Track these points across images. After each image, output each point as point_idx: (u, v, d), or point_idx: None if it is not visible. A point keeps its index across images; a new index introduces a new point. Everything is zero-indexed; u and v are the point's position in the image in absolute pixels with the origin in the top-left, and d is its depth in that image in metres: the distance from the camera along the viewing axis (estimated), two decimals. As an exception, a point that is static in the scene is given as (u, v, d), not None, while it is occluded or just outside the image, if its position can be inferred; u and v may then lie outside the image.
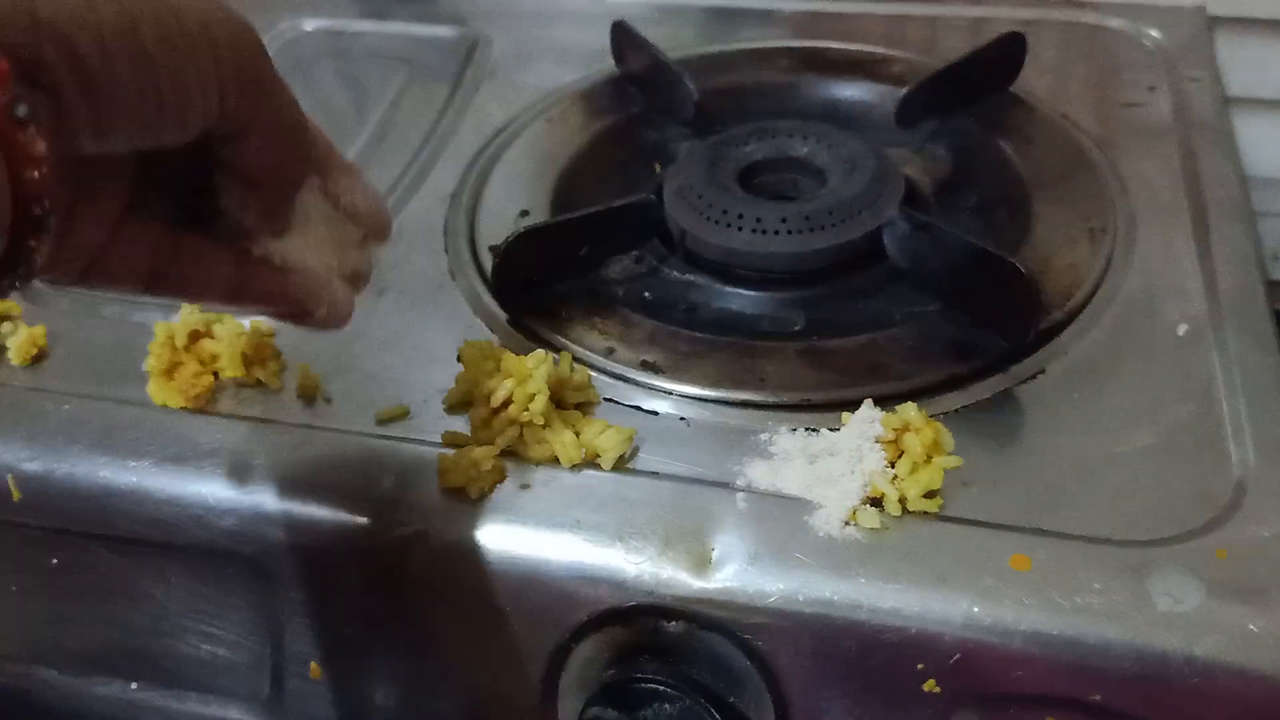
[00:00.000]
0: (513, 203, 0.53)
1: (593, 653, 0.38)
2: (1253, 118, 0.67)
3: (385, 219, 0.37)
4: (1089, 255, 0.47)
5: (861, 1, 0.68)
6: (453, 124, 0.60)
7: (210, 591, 0.41)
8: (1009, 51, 0.56)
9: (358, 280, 0.37)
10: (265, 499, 0.40)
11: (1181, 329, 0.43)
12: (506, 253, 0.45)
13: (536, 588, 0.38)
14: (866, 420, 0.38)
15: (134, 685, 0.44)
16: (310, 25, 0.69)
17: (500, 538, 0.38)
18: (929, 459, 0.37)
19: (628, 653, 0.37)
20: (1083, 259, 0.46)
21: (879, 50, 0.62)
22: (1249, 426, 0.39)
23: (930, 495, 0.37)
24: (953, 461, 0.38)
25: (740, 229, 0.48)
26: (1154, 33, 0.61)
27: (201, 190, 0.32)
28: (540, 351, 0.41)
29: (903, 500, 0.37)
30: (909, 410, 0.38)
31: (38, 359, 0.46)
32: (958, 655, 0.34)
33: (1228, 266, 0.46)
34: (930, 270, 0.45)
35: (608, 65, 0.62)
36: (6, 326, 0.47)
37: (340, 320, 0.36)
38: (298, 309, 0.34)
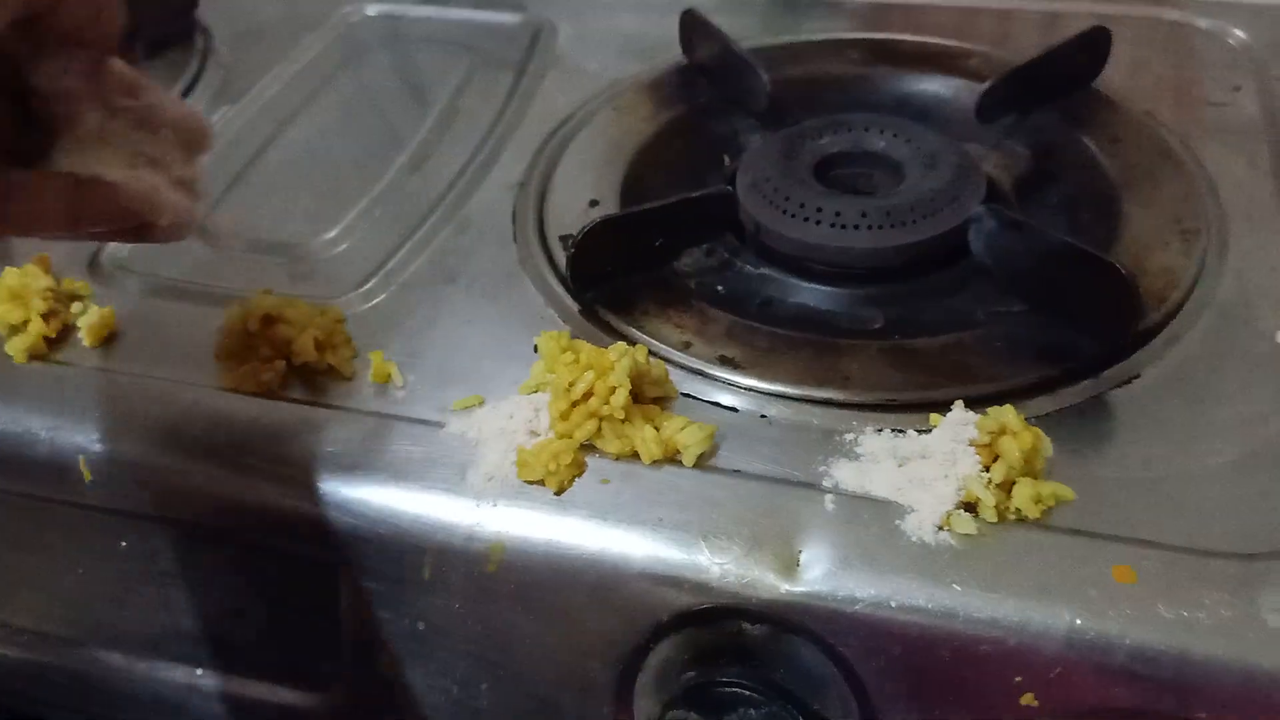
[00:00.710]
0: (582, 192, 0.52)
1: (672, 654, 0.37)
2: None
3: (197, 123, 0.37)
4: (1182, 257, 0.45)
5: (934, -6, 0.66)
6: (518, 112, 0.59)
7: (281, 579, 0.41)
8: (1094, 46, 0.54)
9: (189, 189, 0.36)
10: (339, 488, 0.39)
11: (1279, 336, 0.42)
12: (582, 243, 0.44)
13: (616, 585, 0.37)
14: (960, 423, 0.37)
15: (198, 671, 0.43)
16: (372, 10, 0.68)
17: (580, 533, 0.37)
18: (1031, 469, 0.36)
19: (708, 655, 0.36)
20: (1176, 261, 0.45)
21: (953, 43, 0.60)
22: (1356, 437, 0.38)
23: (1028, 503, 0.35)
24: (1065, 493, 0.36)
25: (819, 223, 0.47)
26: (1238, 31, 0.60)
27: (21, 126, 0.33)
28: (622, 344, 0.40)
29: (999, 506, 0.35)
30: (1006, 414, 0.37)
31: (109, 340, 0.45)
32: (1058, 669, 0.33)
33: (1327, 272, 0.44)
34: (1019, 269, 0.44)
35: (674, 55, 0.61)
36: (77, 307, 0.46)
37: (184, 228, 0.36)
38: (139, 221, 0.34)
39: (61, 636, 0.45)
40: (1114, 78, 0.57)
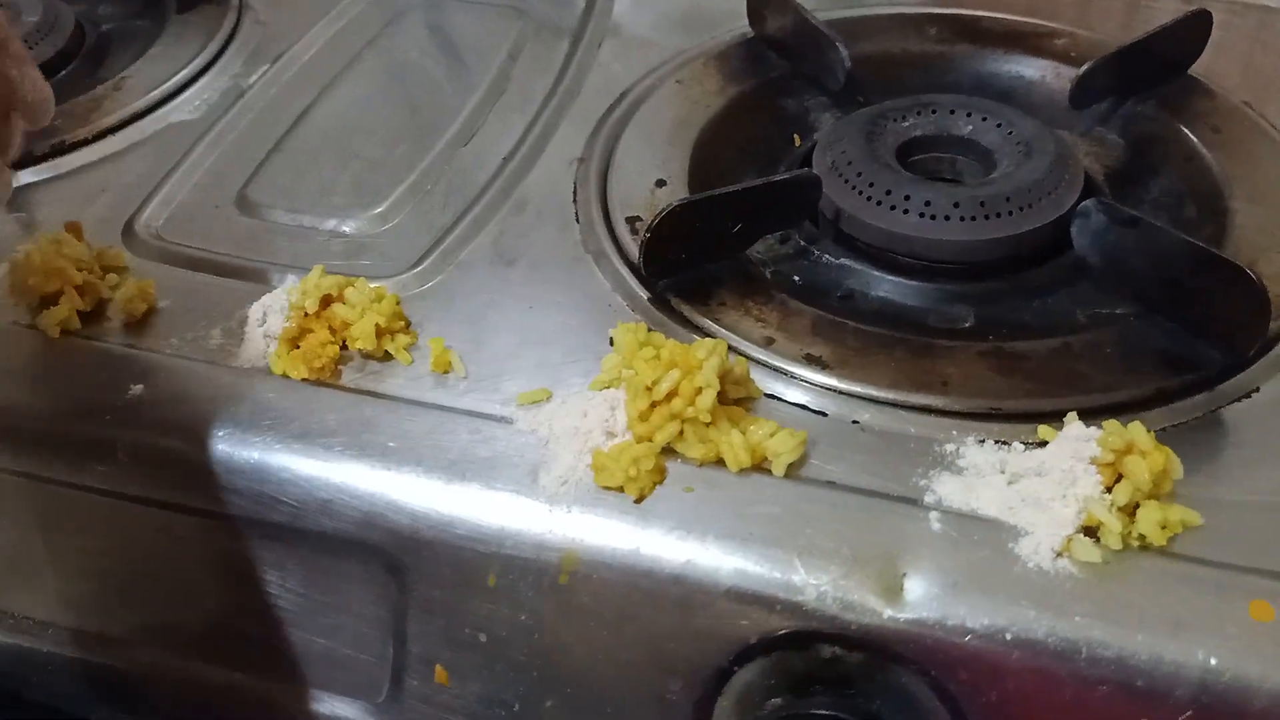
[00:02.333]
0: (648, 171, 0.49)
1: (756, 678, 0.34)
2: None
3: (40, 94, 0.35)
4: (1298, 260, 0.42)
5: (1011, -32, 0.63)
6: (575, 83, 0.55)
7: (332, 582, 0.38)
8: (1195, 30, 0.51)
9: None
10: (397, 485, 0.36)
11: None
12: (658, 228, 0.41)
13: (700, 603, 0.34)
14: (1078, 438, 0.34)
15: (239, 675, 0.41)
16: (417, -32, 0.65)
17: (662, 545, 0.34)
18: (1158, 491, 0.33)
19: (799, 682, 0.34)
20: (1292, 265, 0.42)
21: (1038, 22, 0.57)
22: None
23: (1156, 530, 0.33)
24: (1194, 518, 0.33)
25: (906, 212, 0.44)
26: (1346, 17, 0.56)
27: None
28: (710, 341, 0.37)
29: (1123, 534, 0.33)
30: (1135, 431, 0.34)
31: (146, 315, 0.42)
32: (1189, 713, 0.31)
33: None
34: (1130, 269, 0.41)
35: (740, 26, 0.57)
36: (112, 279, 0.43)
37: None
38: None
39: (94, 634, 0.43)
40: (1210, 64, 0.53)
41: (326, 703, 0.40)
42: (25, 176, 0.50)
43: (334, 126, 0.53)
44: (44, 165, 0.51)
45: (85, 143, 0.52)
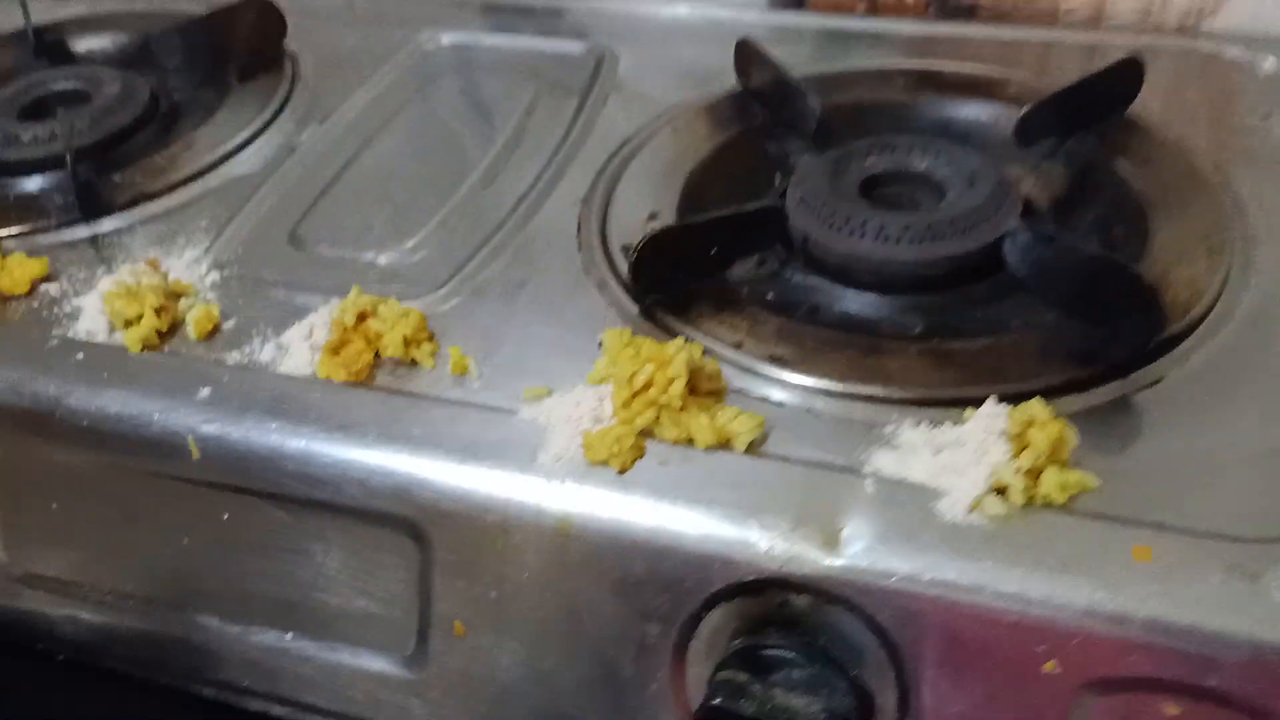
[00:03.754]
0: (641, 207, 0.56)
1: (722, 622, 0.40)
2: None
3: None
4: (1206, 271, 0.48)
5: (977, 25, 0.70)
6: (582, 134, 0.63)
7: (366, 550, 0.45)
8: (1127, 75, 0.57)
9: None
10: (422, 466, 0.43)
11: (1299, 344, 0.45)
12: (643, 250, 0.48)
13: (672, 558, 0.40)
14: (992, 415, 0.40)
15: (289, 635, 0.48)
16: (446, 39, 0.73)
17: (640, 510, 0.41)
18: (1057, 457, 0.39)
19: (756, 624, 0.40)
20: (1200, 274, 0.48)
21: (994, 72, 0.64)
22: (1368, 436, 0.40)
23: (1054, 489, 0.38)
24: (1088, 483, 0.39)
25: (863, 236, 0.50)
26: (1268, 61, 0.62)
27: None
28: (680, 339, 0.44)
29: (1027, 491, 0.39)
30: (1035, 406, 0.40)
31: (213, 333, 0.50)
32: (1078, 639, 0.36)
33: (1347, 287, 0.47)
34: (1051, 280, 0.47)
35: (729, 81, 0.65)
36: (185, 303, 0.51)
37: None
38: None
39: (166, 601, 0.50)
40: (1150, 105, 0.60)
41: (364, 657, 0.47)
42: (113, 223, 0.58)
43: (373, 174, 0.61)
44: (127, 213, 0.59)
45: (161, 194, 0.60)
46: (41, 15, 0.77)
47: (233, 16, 0.71)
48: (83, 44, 0.76)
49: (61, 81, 0.70)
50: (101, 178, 0.61)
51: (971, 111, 0.61)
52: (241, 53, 0.71)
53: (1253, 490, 0.39)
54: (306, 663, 0.48)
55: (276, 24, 0.72)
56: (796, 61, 0.66)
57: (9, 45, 0.75)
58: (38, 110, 0.68)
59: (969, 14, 0.71)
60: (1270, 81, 0.61)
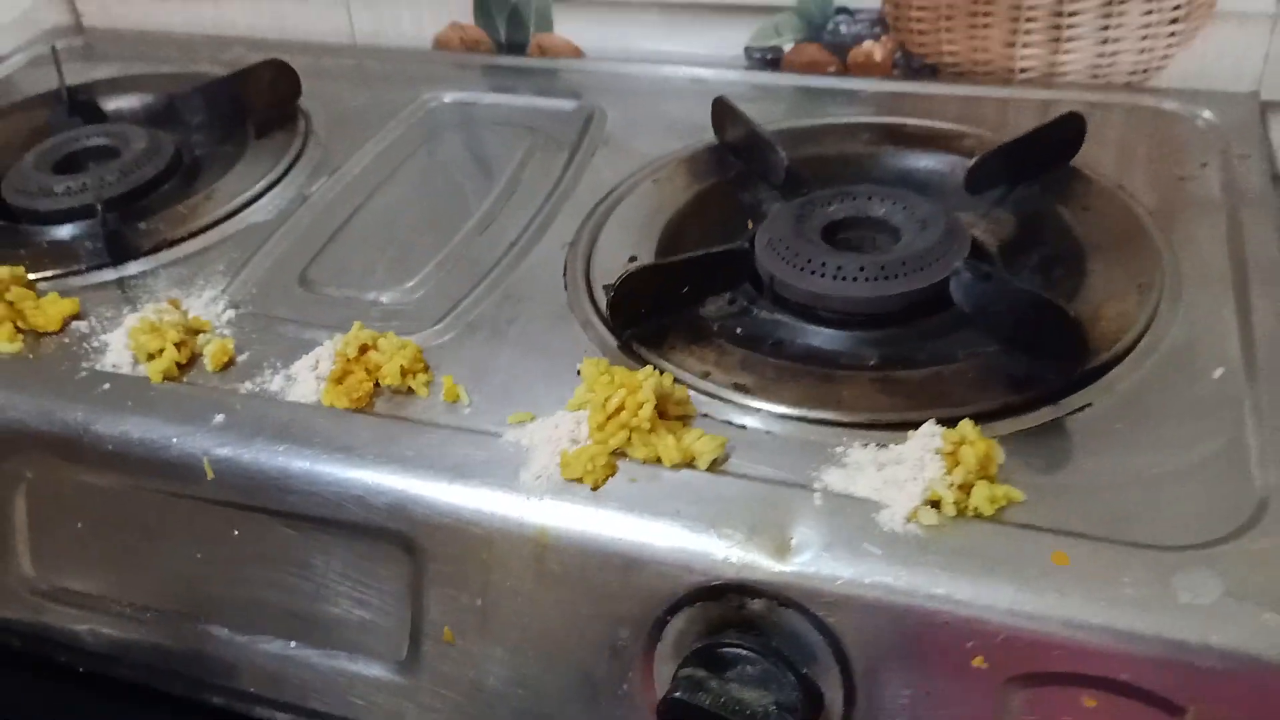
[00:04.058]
0: (623, 250, 0.61)
1: (685, 625, 0.44)
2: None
3: None
4: (1136, 307, 0.52)
5: (939, 84, 0.75)
6: (571, 184, 0.68)
7: (364, 563, 0.49)
8: (1070, 129, 0.62)
9: None
10: (414, 485, 0.47)
11: (1218, 373, 0.49)
12: (620, 288, 0.53)
13: (640, 566, 0.44)
14: (929, 435, 0.45)
15: (292, 644, 0.51)
16: (449, 97, 0.79)
17: (611, 522, 0.45)
18: (985, 473, 0.43)
19: (716, 626, 0.44)
20: (1130, 310, 0.52)
21: (953, 126, 0.69)
22: (1273, 454, 0.44)
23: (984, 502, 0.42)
24: (1016, 496, 0.43)
25: (823, 275, 0.55)
26: (1208, 114, 0.67)
27: None
28: (649, 368, 0.48)
29: (958, 504, 0.43)
30: (966, 427, 0.44)
31: (227, 365, 0.55)
32: (1002, 636, 0.40)
33: (1264, 321, 0.51)
34: (991, 314, 0.51)
35: (708, 136, 0.70)
36: (202, 338, 0.56)
37: None
38: None
39: (179, 613, 0.54)
40: (1096, 155, 0.65)
41: (361, 663, 0.50)
42: (138, 266, 0.63)
43: (378, 221, 0.66)
44: (151, 258, 0.64)
45: (183, 240, 0.65)
46: (75, 76, 0.83)
47: (251, 77, 0.77)
48: (113, 103, 0.82)
49: (93, 138, 0.75)
50: (128, 226, 0.66)
51: (928, 162, 0.66)
52: (259, 110, 0.76)
53: (1165, 505, 0.43)
54: (309, 669, 0.51)
55: (292, 84, 0.78)
56: (773, 116, 0.72)
57: (45, 104, 0.81)
58: (71, 164, 0.73)
59: (931, 73, 0.77)
60: (1207, 133, 0.66)
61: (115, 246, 0.64)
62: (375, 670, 0.50)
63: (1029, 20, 0.72)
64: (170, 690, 0.57)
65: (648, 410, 0.46)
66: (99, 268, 0.63)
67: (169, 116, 0.78)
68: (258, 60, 0.79)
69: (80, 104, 0.81)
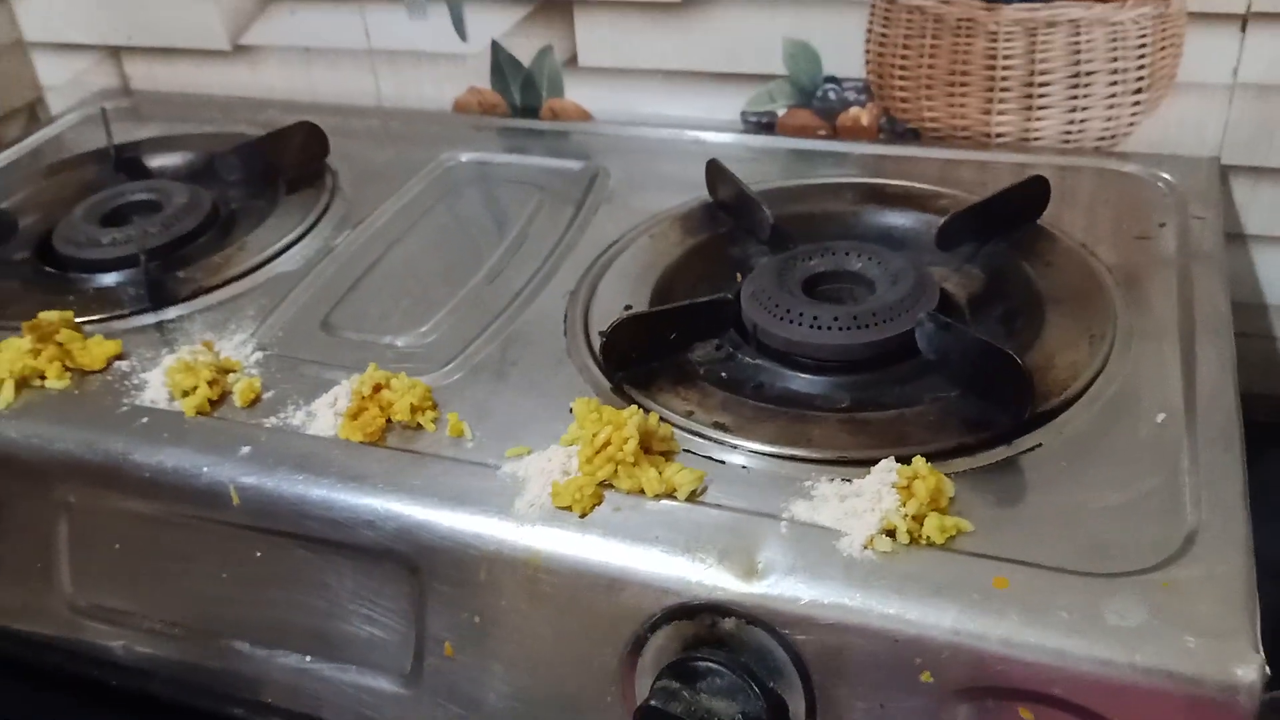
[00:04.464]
0: (620, 299, 0.66)
1: (663, 641, 0.48)
2: (1269, 252, 0.77)
3: None
4: (1088, 356, 0.57)
5: (920, 147, 0.81)
6: (575, 238, 0.73)
7: (373, 583, 0.54)
8: (1035, 191, 0.67)
9: None
10: (419, 511, 0.52)
11: (1160, 418, 0.53)
12: (612, 335, 0.58)
13: (623, 587, 0.48)
14: (886, 470, 0.49)
15: (308, 658, 0.56)
16: (465, 157, 0.85)
17: (596, 547, 0.49)
18: (937, 505, 0.48)
19: (690, 642, 0.48)
20: (1082, 359, 0.56)
21: (931, 187, 0.74)
22: (1205, 493, 0.48)
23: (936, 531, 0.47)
24: (964, 526, 0.47)
25: (801, 324, 0.60)
26: (1168, 177, 0.72)
27: None
28: (633, 407, 0.53)
29: (911, 532, 0.47)
30: (919, 463, 0.48)
31: (254, 401, 0.60)
32: (946, 653, 0.44)
33: (1206, 371, 0.55)
34: (951, 361, 0.56)
35: (703, 194, 0.75)
36: (232, 377, 0.61)
37: None
38: None
39: (206, 629, 0.58)
40: (1063, 215, 0.69)
41: (369, 676, 0.55)
42: (176, 311, 0.69)
43: (396, 271, 0.72)
44: (188, 304, 0.70)
45: (216, 288, 0.71)
46: (123, 135, 0.90)
47: (283, 138, 0.84)
48: (156, 160, 0.89)
49: (137, 193, 0.82)
50: (168, 274, 0.72)
51: (906, 220, 0.71)
52: (290, 168, 0.83)
53: (1102, 537, 0.47)
54: (323, 682, 0.56)
55: (320, 145, 0.84)
56: (767, 176, 0.77)
57: (94, 161, 0.88)
58: (116, 218, 0.79)
59: (914, 137, 0.82)
60: (1167, 195, 0.71)
61: (156, 293, 0.70)
62: (382, 683, 0.55)
63: (1003, 89, 0.77)
64: (196, 704, 0.61)
65: (632, 445, 0.51)
66: (140, 312, 0.69)
67: (208, 173, 0.85)
68: (291, 122, 0.85)
69: (126, 161, 0.87)
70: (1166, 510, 0.48)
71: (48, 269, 0.76)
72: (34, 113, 1.08)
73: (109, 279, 0.74)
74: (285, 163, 0.83)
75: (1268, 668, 0.41)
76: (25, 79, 1.06)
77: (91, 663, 0.62)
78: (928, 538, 0.47)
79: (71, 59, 1.05)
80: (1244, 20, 0.71)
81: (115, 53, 1.04)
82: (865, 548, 0.47)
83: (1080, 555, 0.46)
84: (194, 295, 0.70)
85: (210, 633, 0.58)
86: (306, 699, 0.56)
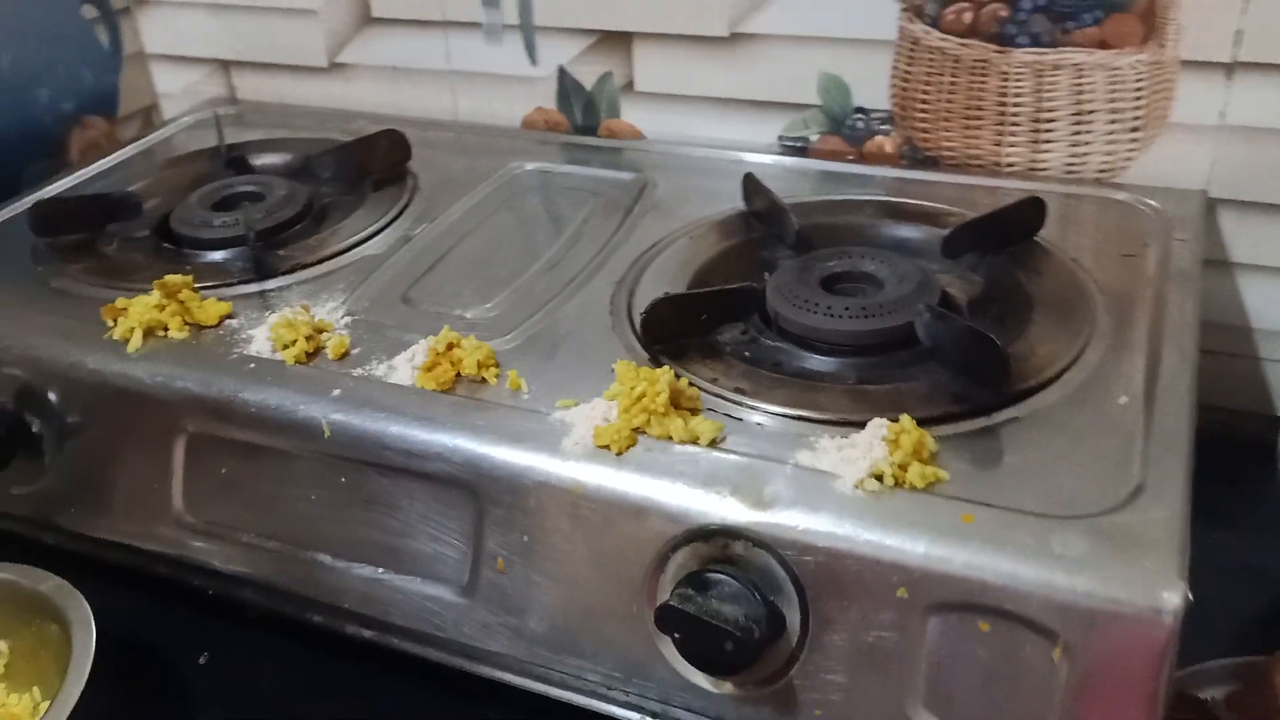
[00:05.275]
0: (660, 289, 0.75)
1: (682, 560, 0.57)
2: (1254, 279, 0.85)
3: None
4: (1066, 348, 0.65)
5: (938, 173, 0.90)
6: (624, 237, 0.83)
7: (440, 506, 0.63)
8: (1031, 210, 0.76)
9: None
10: (482, 447, 0.62)
11: (1122, 400, 0.61)
12: (651, 311, 0.67)
13: (649, 513, 0.57)
14: (878, 427, 0.58)
15: (380, 570, 0.65)
16: (530, 166, 0.96)
17: (629, 480, 0.58)
18: (919, 456, 0.56)
19: (705, 561, 0.56)
20: (1060, 350, 0.65)
21: (944, 206, 0.83)
22: (1153, 458, 0.56)
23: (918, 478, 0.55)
24: (941, 475, 0.56)
25: (816, 313, 0.69)
26: (1156, 205, 0.80)
27: None
28: (665, 367, 0.62)
29: (895, 478, 0.55)
30: (905, 421, 0.57)
31: (344, 355, 0.70)
32: (919, 574, 0.52)
33: (1168, 368, 0.63)
34: (943, 346, 0.64)
35: (737, 204, 0.85)
36: (325, 335, 0.72)
37: None
38: None
39: (294, 544, 0.68)
40: (1060, 234, 0.78)
41: (432, 586, 0.64)
42: (277, 283, 0.80)
43: (465, 258, 0.82)
44: (286, 277, 0.80)
45: (312, 265, 0.81)
46: (230, 138, 1.02)
47: (371, 143, 0.95)
48: (260, 159, 1.00)
49: (243, 185, 0.93)
50: (270, 253, 0.83)
51: (919, 233, 0.80)
52: (376, 170, 0.94)
53: (1059, 488, 0.55)
54: (393, 590, 0.65)
55: (403, 150, 0.96)
56: (797, 192, 0.87)
57: (206, 158, 1.00)
58: (225, 205, 0.91)
59: (933, 164, 0.91)
60: (1154, 220, 0.79)
61: (260, 266, 0.81)
62: (443, 592, 0.64)
63: (1013, 123, 0.87)
64: (281, 610, 0.71)
65: (663, 398, 0.60)
66: (246, 282, 0.80)
67: (304, 171, 0.96)
68: (377, 130, 0.96)
69: (234, 159, 0.99)
70: (1118, 470, 0.56)
71: (165, 245, 0.88)
72: (149, 117, 1.21)
73: (217, 255, 0.85)
74: (372, 164, 0.94)
75: (1190, 594, 0.49)
76: (143, 86, 1.19)
77: (194, 571, 0.72)
78: (910, 483, 0.55)
79: (186, 70, 1.18)
80: (1230, 68, 0.80)
81: (225, 66, 1.16)
82: (856, 487, 0.55)
83: (1038, 501, 0.54)
84: (292, 270, 0.81)
85: (298, 546, 0.68)
86: (378, 605, 0.66)
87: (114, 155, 1.06)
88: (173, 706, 0.72)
